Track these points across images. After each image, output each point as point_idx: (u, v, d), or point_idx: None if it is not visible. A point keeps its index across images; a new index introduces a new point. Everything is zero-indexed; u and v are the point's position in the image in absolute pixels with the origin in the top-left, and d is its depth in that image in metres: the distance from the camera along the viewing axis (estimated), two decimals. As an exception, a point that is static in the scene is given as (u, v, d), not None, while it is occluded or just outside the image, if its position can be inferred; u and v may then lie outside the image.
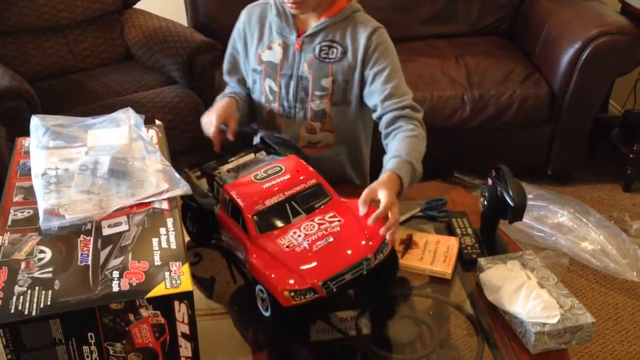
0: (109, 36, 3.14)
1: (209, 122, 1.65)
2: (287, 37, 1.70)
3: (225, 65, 1.85)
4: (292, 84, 1.72)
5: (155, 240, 1.11)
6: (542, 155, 3.10)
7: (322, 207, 1.33)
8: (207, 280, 1.44)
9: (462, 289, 1.42)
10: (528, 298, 1.26)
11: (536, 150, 3.10)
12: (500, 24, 3.44)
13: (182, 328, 1.03)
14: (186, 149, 2.63)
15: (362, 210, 1.34)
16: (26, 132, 1.43)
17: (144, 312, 1.00)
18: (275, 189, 1.32)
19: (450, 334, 1.35)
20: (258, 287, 1.23)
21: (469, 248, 1.49)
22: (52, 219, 1.14)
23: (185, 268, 1.05)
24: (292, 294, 1.17)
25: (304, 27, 1.70)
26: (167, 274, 1.03)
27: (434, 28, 3.43)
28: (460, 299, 1.40)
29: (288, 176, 1.35)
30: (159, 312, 1.00)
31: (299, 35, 1.69)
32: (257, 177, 1.36)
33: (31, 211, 1.18)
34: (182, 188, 1.26)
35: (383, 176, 1.49)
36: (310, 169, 1.39)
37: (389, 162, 1.54)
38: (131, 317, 0.99)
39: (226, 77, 1.87)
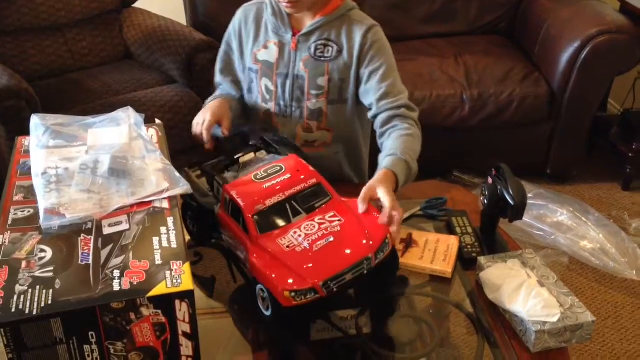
0: (107, 35, 3.13)
1: (201, 121, 1.65)
2: (283, 36, 1.70)
3: (219, 64, 1.84)
4: (288, 83, 1.72)
5: (155, 240, 1.11)
6: (542, 154, 3.10)
7: (323, 206, 1.33)
8: (207, 280, 1.44)
9: (462, 287, 1.42)
10: (528, 297, 1.26)
11: (535, 149, 3.10)
12: (499, 23, 3.44)
13: (183, 327, 1.03)
14: (186, 148, 2.62)
15: (361, 207, 1.34)
16: (26, 132, 1.43)
17: (145, 311, 1.00)
18: (276, 188, 1.32)
19: (451, 332, 1.36)
20: (259, 286, 1.23)
21: (469, 247, 1.49)
22: (52, 218, 1.14)
23: (186, 267, 1.05)
24: (293, 294, 1.17)
25: (300, 26, 1.70)
26: (168, 273, 1.03)
27: (432, 27, 3.42)
28: (461, 297, 1.41)
29: (288, 176, 1.35)
30: (160, 311, 1.00)
31: (294, 34, 1.69)
32: (258, 177, 1.36)
33: (31, 210, 1.18)
34: (183, 187, 1.26)
35: (379, 174, 1.49)
36: (311, 168, 1.39)
37: (385, 160, 1.55)
38: (132, 316, 0.99)
39: (219, 78, 1.85)
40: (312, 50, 1.69)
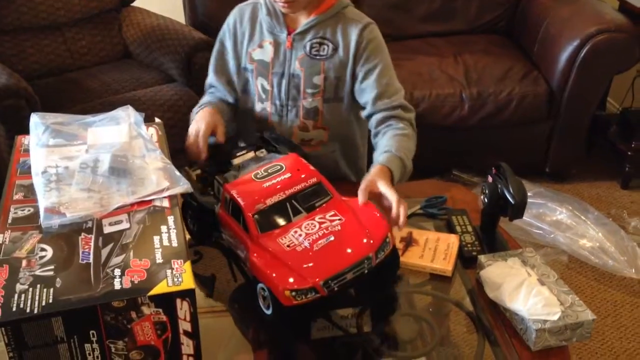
0: (106, 34, 3.13)
1: (195, 132, 1.58)
2: (278, 35, 1.70)
3: (213, 65, 1.82)
4: (284, 82, 1.71)
5: (156, 238, 1.11)
6: (541, 153, 3.11)
7: (323, 205, 1.33)
8: (207, 278, 1.44)
9: (463, 286, 1.42)
10: (529, 295, 1.26)
11: (534, 148, 3.11)
12: (498, 22, 3.44)
13: (184, 326, 1.03)
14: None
15: (361, 198, 1.35)
16: (25, 130, 1.43)
17: (145, 310, 1.00)
18: (277, 187, 1.32)
19: (451, 331, 1.36)
20: (260, 285, 1.23)
21: (469, 245, 1.49)
22: (53, 217, 1.14)
23: (187, 266, 1.05)
24: (293, 293, 1.17)
25: (294, 24, 1.69)
26: (168, 271, 1.03)
27: (432, 26, 3.43)
28: (461, 296, 1.41)
29: (289, 175, 1.35)
30: (161, 310, 1.00)
31: (289, 33, 1.69)
32: (258, 176, 1.36)
33: (32, 209, 1.18)
34: (183, 186, 1.26)
35: (375, 169, 1.50)
36: (311, 167, 1.39)
37: (380, 157, 1.56)
38: (133, 314, 0.99)
39: (213, 79, 1.81)
40: (308, 48, 1.69)
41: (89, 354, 1.01)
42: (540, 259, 1.39)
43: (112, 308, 0.98)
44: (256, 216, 1.28)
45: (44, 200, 1.17)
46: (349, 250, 1.23)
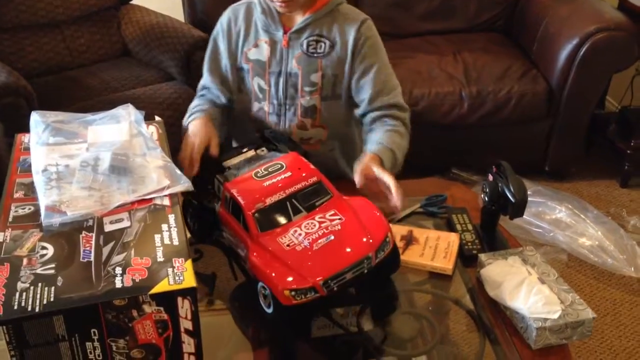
0: (105, 32, 3.13)
1: (190, 148, 1.55)
2: (274, 34, 1.69)
3: (207, 64, 1.80)
4: (282, 81, 1.71)
5: (157, 237, 1.11)
6: (540, 152, 3.11)
7: (323, 205, 1.33)
8: (208, 277, 1.44)
9: (463, 284, 1.43)
10: (529, 294, 1.26)
11: (534, 147, 3.11)
12: (497, 20, 3.44)
13: (185, 324, 1.03)
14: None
15: (358, 180, 1.42)
16: (24, 129, 1.43)
17: (147, 308, 0.99)
18: (277, 186, 1.32)
19: (452, 329, 1.36)
20: (260, 283, 1.23)
21: (469, 244, 1.49)
22: (53, 216, 1.14)
23: (188, 264, 1.04)
24: (293, 293, 1.17)
25: (290, 23, 1.69)
26: (170, 270, 1.03)
27: (431, 24, 3.42)
28: (461, 294, 1.41)
29: (289, 174, 1.35)
30: (162, 308, 1.00)
31: (285, 32, 1.68)
32: (258, 175, 1.36)
33: (32, 207, 1.18)
34: (184, 184, 1.25)
35: (367, 156, 1.55)
36: (312, 166, 1.39)
37: (371, 146, 1.61)
38: (134, 313, 0.99)
39: (207, 80, 1.79)
40: (305, 46, 1.68)
41: (90, 353, 1.01)
42: (541, 257, 1.40)
43: (113, 306, 0.98)
44: (256, 215, 1.28)
45: (45, 198, 1.17)
46: (348, 250, 1.23)
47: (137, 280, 1.01)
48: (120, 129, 1.39)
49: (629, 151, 3.08)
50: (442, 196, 1.66)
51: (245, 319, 1.36)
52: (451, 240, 1.49)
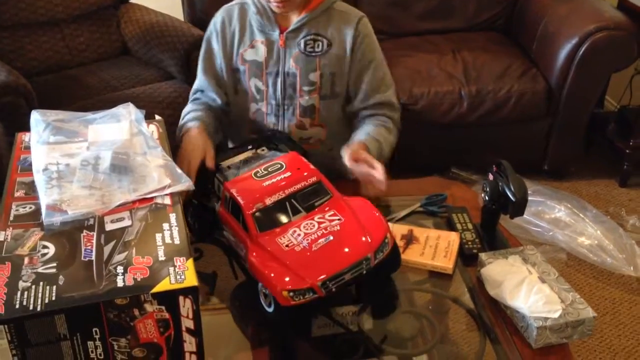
0: (105, 31, 3.13)
1: (186, 165, 1.49)
2: (270, 34, 1.69)
3: (202, 66, 1.78)
4: (279, 81, 1.71)
5: (158, 236, 1.11)
6: (539, 151, 3.11)
7: (323, 205, 1.33)
8: (208, 276, 1.44)
9: (463, 284, 1.43)
10: (530, 293, 1.26)
11: (533, 146, 3.11)
12: (496, 19, 3.44)
13: (187, 323, 1.03)
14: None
15: (349, 163, 1.49)
16: (23, 127, 1.43)
17: (148, 307, 0.99)
18: (276, 186, 1.32)
19: (452, 328, 1.36)
20: (261, 283, 1.23)
21: (469, 243, 1.49)
22: (54, 215, 1.14)
23: (190, 263, 1.04)
24: (291, 293, 1.17)
25: (286, 23, 1.68)
26: (171, 269, 1.03)
27: (430, 23, 3.42)
28: (461, 294, 1.41)
29: (289, 174, 1.35)
30: (163, 307, 1.00)
31: (281, 32, 1.68)
32: (258, 175, 1.36)
33: (33, 206, 1.18)
34: (184, 183, 1.25)
35: (354, 143, 1.61)
36: (311, 166, 1.39)
37: (360, 136, 1.66)
38: (136, 312, 0.99)
39: (202, 82, 1.77)
40: (302, 46, 1.68)
41: (92, 352, 1.01)
42: (541, 256, 1.40)
43: (115, 305, 0.98)
44: (255, 215, 1.28)
45: (46, 197, 1.17)
46: (347, 251, 1.23)
47: (139, 280, 1.01)
48: (120, 128, 1.39)
49: (628, 150, 3.08)
50: (442, 195, 1.66)
51: (245, 318, 1.36)
52: (451, 239, 1.49)
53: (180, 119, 1.72)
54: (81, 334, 0.99)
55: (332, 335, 1.32)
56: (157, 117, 1.51)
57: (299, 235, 1.25)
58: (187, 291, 1.01)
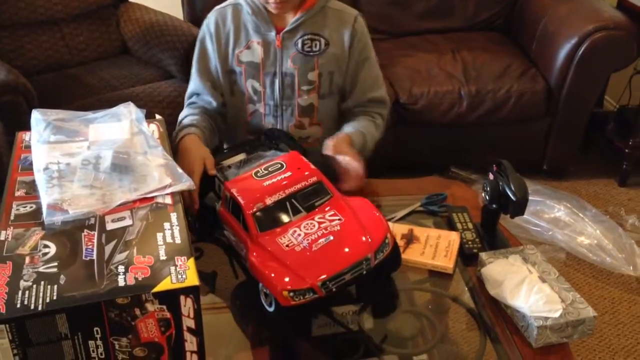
0: (105, 30, 3.13)
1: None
2: (266, 35, 1.68)
3: (197, 69, 1.75)
4: (277, 81, 1.70)
5: (159, 235, 1.11)
6: (538, 150, 3.11)
7: (323, 205, 1.33)
8: (209, 275, 1.44)
9: (463, 283, 1.43)
10: (530, 292, 1.26)
11: (532, 145, 3.11)
12: (496, 19, 3.45)
13: (188, 322, 1.03)
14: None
15: (329, 152, 1.54)
16: (23, 127, 1.43)
17: (150, 307, 0.99)
18: (277, 186, 1.32)
19: (452, 328, 1.36)
20: (261, 283, 1.23)
21: (469, 243, 1.49)
22: (55, 214, 1.13)
23: (191, 262, 1.04)
24: (291, 294, 1.17)
25: (282, 23, 1.68)
26: (172, 268, 1.03)
27: (430, 23, 3.42)
28: (462, 293, 1.41)
29: (289, 173, 1.35)
30: (165, 307, 1.00)
31: (277, 32, 1.67)
32: (258, 174, 1.35)
33: (34, 206, 1.18)
34: (185, 183, 1.25)
35: (340, 135, 1.64)
36: (312, 166, 1.39)
37: (346, 128, 1.70)
38: (137, 311, 0.99)
39: (198, 85, 1.75)
40: (300, 45, 1.68)
41: (93, 351, 1.01)
42: (541, 256, 1.40)
43: (116, 305, 0.98)
44: (256, 215, 1.28)
45: (47, 196, 1.17)
46: (347, 251, 1.23)
47: (140, 279, 1.01)
48: (121, 127, 1.39)
49: (627, 150, 3.08)
50: (443, 195, 1.66)
51: (245, 318, 1.36)
52: (452, 239, 1.49)
53: (177, 124, 1.70)
54: (82, 334, 0.99)
55: (333, 335, 1.32)
56: (158, 116, 1.51)
57: (299, 235, 1.25)
58: (188, 290, 1.00)
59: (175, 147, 1.60)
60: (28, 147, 1.35)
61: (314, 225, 1.27)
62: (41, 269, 1.02)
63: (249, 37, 1.69)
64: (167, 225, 1.13)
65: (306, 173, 1.36)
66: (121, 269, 1.03)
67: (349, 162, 1.54)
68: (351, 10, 1.73)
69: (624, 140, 3.11)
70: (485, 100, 2.93)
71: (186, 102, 1.79)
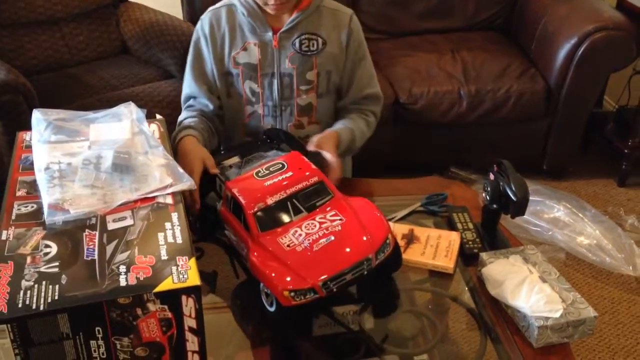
0: (104, 30, 3.12)
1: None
2: (262, 36, 1.67)
3: (191, 73, 1.74)
4: (275, 82, 1.70)
5: (161, 235, 1.11)
6: (538, 150, 3.12)
7: (324, 205, 1.32)
8: (209, 275, 1.44)
9: (464, 283, 1.43)
10: (531, 292, 1.26)
11: (532, 145, 3.11)
12: (496, 19, 3.45)
13: (190, 322, 1.03)
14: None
15: (311, 148, 1.55)
16: (23, 126, 1.43)
17: (151, 307, 0.99)
18: (278, 186, 1.32)
19: (453, 328, 1.36)
20: (262, 282, 1.23)
21: (470, 243, 1.49)
22: (56, 214, 1.14)
23: (192, 262, 1.04)
24: (292, 294, 1.17)
25: (278, 23, 1.67)
26: (174, 268, 1.03)
27: (430, 23, 3.43)
28: (462, 293, 1.41)
29: (290, 173, 1.35)
30: (166, 307, 1.00)
31: (274, 32, 1.67)
32: (259, 175, 1.35)
33: (35, 205, 1.18)
34: (186, 183, 1.25)
35: (328, 132, 1.65)
36: (313, 166, 1.39)
37: (337, 124, 1.72)
38: (139, 311, 0.99)
39: (193, 88, 1.73)
40: (298, 45, 1.68)
41: (95, 351, 1.01)
42: (542, 256, 1.40)
43: (117, 304, 0.98)
44: (257, 215, 1.28)
45: (48, 196, 1.17)
46: (348, 251, 1.23)
47: (142, 279, 1.01)
48: (122, 127, 1.39)
49: (626, 150, 3.09)
50: (443, 195, 1.66)
51: (246, 318, 1.36)
52: (452, 239, 1.49)
53: (176, 126, 1.69)
54: (84, 333, 0.99)
55: (333, 335, 1.32)
56: (158, 116, 1.51)
57: (300, 235, 1.25)
58: (189, 290, 1.01)
59: (174, 149, 1.60)
60: (29, 147, 1.35)
61: (315, 225, 1.27)
62: (42, 269, 1.02)
63: (245, 39, 1.68)
64: (168, 225, 1.14)
65: (307, 173, 1.36)
66: (122, 268, 1.03)
67: (329, 158, 1.55)
68: (346, 10, 1.74)
69: (623, 140, 3.11)
70: (485, 100, 2.93)
71: (183, 105, 1.78)
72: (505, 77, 2.97)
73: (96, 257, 1.06)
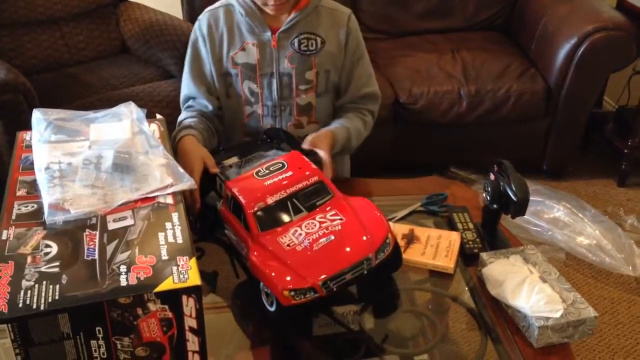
0: (104, 29, 3.12)
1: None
2: (261, 35, 1.67)
3: (190, 74, 1.73)
4: (275, 82, 1.70)
5: (161, 235, 1.11)
6: (538, 150, 3.12)
7: (324, 204, 1.32)
8: (210, 274, 1.44)
9: (464, 283, 1.43)
10: (531, 292, 1.26)
11: (532, 145, 3.11)
12: (496, 19, 3.45)
13: (190, 322, 1.03)
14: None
15: (306, 146, 1.54)
16: (23, 126, 1.43)
17: (152, 307, 0.99)
18: (278, 186, 1.32)
19: (453, 328, 1.36)
20: (262, 282, 1.23)
21: (470, 243, 1.49)
22: (57, 214, 1.14)
23: (193, 262, 1.05)
24: (292, 293, 1.17)
25: (276, 23, 1.66)
26: (174, 268, 1.03)
27: (430, 23, 3.43)
28: (463, 293, 1.41)
29: (290, 173, 1.35)
30: (167, 307, 1.00)
31: (273, 32, 1.66)
32: (259, 174, 1.35)
33: (35, 205, 1.18)
34: (187, 182, 1.25)
35: (324, 131, 1.65)
36: (313, 166, 1.39)
37: (334, 123, 1.72)
38: (139, 311, 0.99)
39: (192, 89, 1.73)
40: (297, 45, 1.67)
41: (95, 351, 1.01)
42: (542, 256, 1.40)
43: (118, 304, 0.98)
44: (257, 215, 1.28)
45: (48, 196, 1.17)
46: (348, 251, 1.23)
47: (142, 279, 1.01)
48: (122, 127, 1.39)
49: (626, 150, 3.09)
50: (443, 195, 1.66)
51: (246, 317, 1.36)
52: (452, 239, 1.49)
53: (176, 127, 1.69)
54: (84, 333, 0.99)
55: (334, 335, 1.32)
56: (158, 115, 1.51)
57: (300, 234, 1.25)
58: (190, 290, 1.01)
59: (174, 149, 1.60)
60: (29, 147, 1.35)
61: (315, 225, 1.27)
62: (43, 269, 1.02)
63: (243, 39, 1.68)
64: (168, 225, 1.14)
65: (307, 173, 1.36)
66: (123, 268, 1.03)
67: (322, 157, 1.54)
68: (344, 9, 1.74)
69: (622, 140, 3.12)
70: (485, 100, 2.93)
71: (182, 106, 1.78)
72: (505, 77, 2.97)
73: (97, 257, 1.06)
